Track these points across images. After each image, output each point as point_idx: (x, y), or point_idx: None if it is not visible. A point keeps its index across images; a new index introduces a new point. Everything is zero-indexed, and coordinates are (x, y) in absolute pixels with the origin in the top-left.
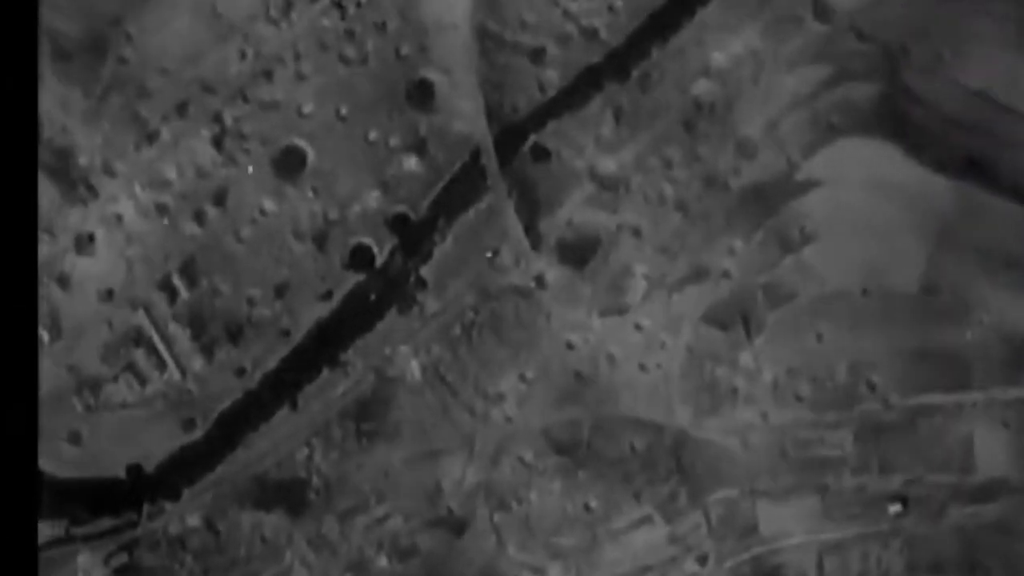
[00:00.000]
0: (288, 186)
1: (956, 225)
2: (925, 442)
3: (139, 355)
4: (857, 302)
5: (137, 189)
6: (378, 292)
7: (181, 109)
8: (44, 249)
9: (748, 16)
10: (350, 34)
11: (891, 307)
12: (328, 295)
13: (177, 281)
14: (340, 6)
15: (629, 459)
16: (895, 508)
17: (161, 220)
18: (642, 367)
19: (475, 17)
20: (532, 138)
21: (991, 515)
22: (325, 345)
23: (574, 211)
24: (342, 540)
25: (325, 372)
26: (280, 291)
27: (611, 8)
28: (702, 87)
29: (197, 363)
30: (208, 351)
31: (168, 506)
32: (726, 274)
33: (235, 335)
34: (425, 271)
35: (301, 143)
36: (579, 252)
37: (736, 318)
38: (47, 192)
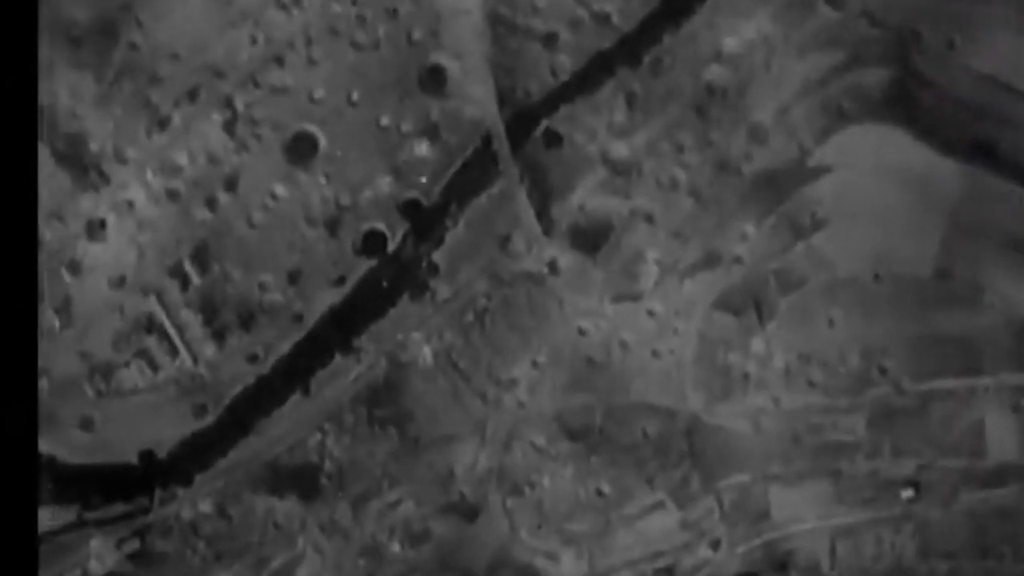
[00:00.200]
0: (300, 172)
1: (967, 210)
2: (937, 427)
3: (151, 341)
4: (869, 287)
5: (148, 175)
6: (390, 278)
7: (192, 95)
8: (55, 235)
9: (760, 1)
10: (361, 19)
11: (902, 292)
12: (340, 281)
13: (189, 267)
14: None
15: (641, 445)
16: (907, 493)
17: (173, 206)
18: (654, 353)
19: (487, 2)
20: (544, 123)
21: (1002, 500)
22: (337, 331)
23: (586, 196)
24: (355, 526)
25: (337, 358)
26: (292, 277)
27: None
28: (714, 72)
29: (209, 349)
30: (220, 337)
31: (180, 492)
32: (738, 260)
33: (247, 321)
34: (437, 257)
35: (312, 129)
36: (591, 238)
37: (748, 304)
38: (58, 178)
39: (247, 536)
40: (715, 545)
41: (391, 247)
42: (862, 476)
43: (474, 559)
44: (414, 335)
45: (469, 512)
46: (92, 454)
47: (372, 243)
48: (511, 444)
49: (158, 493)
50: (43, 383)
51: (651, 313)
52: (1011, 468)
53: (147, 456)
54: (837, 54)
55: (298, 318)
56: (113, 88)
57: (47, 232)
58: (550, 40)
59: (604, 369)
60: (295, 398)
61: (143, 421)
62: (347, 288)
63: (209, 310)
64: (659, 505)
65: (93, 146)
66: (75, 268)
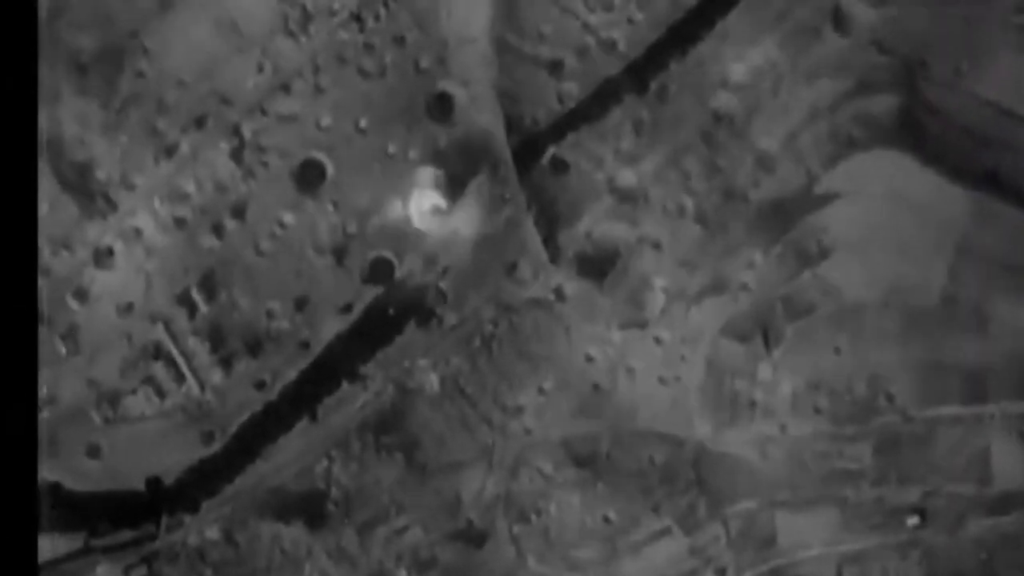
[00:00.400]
0: (307, 199)
1: (975, 237)
2: (943, 454)
3: (158, 368)
4: (875, 315)
5: (156, 203)
6: (397, 305)
7: (199, 122)
8: (62, 263)
9: (767, 28)
10: (369, 47)
11: (909, 320)
12: (348, 308)
13: (196, 295)
14: (359, 19)
15: (648, 472)
16: (913, 520)
17: (180, 233)
18: (661, 380)
19: (494, 30)
20: (551, 150)
21: (1008, 527)
22: (345, 358)
23: (593, 224)
24: (362, 552)
25: (344, 385)
26: (299, 304)
27: (630, 20)
28: (721, 99)
29: (216, 376)
30: (227, 364)
31: (187, 518)
32: (745, 287)
33: (254, 348)
34: (444, 284)
35: (320, 156)
36: (598, 265)
37: (755, 331)
38: (66, 206)
39: (254, 563)
40: (722, 572)
41: (398, 274)
42: (869, 503)
43: None
44: (421, 362)
45: (476, 539)
46: (99, 481)
47: (379, 270)
48: (518, 470)
49: (165, 520)
50: (50, 410)
51: (658, 340)
52: (1017, 495)
53: (154, 483)
54: (845, 81)
55: (305, 345)
56: (120, 116)
57: (54, 260)
58: (556, 67)
59: (611, 396)
60: (302, 425)
61: (150, 448)
62: (354, 315)
63: (216, 337)
64: (666, 532)
65: (100, 174)
66: (82, 296)
